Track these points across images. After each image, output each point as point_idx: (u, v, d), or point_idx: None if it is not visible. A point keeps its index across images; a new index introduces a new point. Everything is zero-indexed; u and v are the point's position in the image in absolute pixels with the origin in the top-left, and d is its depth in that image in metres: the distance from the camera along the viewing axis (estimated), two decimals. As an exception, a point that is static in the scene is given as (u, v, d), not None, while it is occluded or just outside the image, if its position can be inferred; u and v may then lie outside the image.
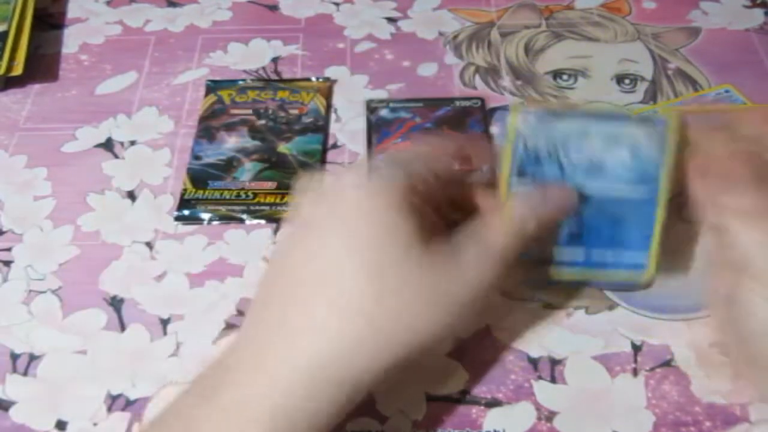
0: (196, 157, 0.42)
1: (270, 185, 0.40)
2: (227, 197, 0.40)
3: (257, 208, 0.39)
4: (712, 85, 0.46)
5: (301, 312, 0.27)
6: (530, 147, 0.30)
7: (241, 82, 0.46)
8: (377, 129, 0.44)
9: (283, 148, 0.42)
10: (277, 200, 0.39)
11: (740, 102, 0.44)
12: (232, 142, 0.42)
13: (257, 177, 0.41)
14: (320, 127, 0.43)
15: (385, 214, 0.27)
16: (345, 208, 0.27)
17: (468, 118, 0.44)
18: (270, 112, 0.44)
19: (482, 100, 0.45)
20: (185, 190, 0.40)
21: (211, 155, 0.42)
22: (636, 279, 0.31)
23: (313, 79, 0.46)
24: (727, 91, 0.44)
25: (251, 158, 0.42)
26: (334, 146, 0.43)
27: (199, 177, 0.41)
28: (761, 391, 0.30)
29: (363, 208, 0.27)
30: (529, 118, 0.30)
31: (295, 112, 0.44)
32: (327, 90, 0.46)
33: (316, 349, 0.26)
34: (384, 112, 0.44)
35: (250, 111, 0.44)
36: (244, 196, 0.40)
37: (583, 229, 0.31)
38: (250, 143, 0.42)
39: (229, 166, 0.41)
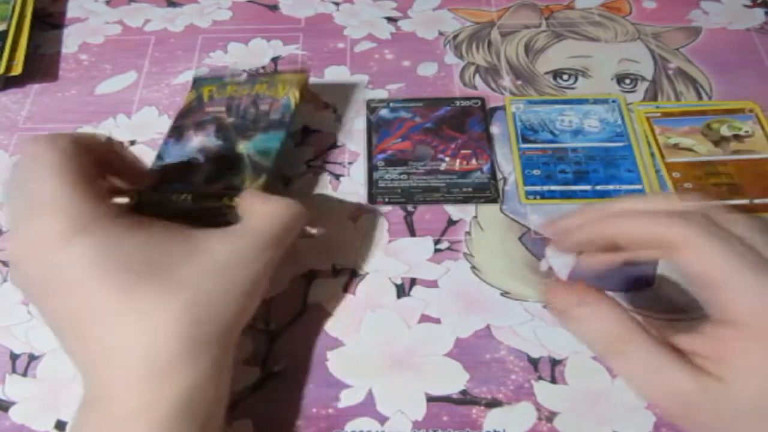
0: (159, 157, 0.38)
1: (218, 187, 0.36)
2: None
3: None
4: (713, 85, 0.46)
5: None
6: (525, 122, 0.43)
7: (227, 78, 0.43)
8: (377, 129, 0.44)
9: (242, 147, 0.38)
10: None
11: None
12: (197, 142, 0.39)
13: (209, 179, 0.37)
14: (284, 124, 0.39)
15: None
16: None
17: (468, 118, 0.44)
18: (240, 108, 0.40)
19: (482, 99, 0.45)
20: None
21: (174, 156, 0.38)
22: None
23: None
24: (751, 110, 0.44)
25: (210, 159, 0.38)
26: (334, 146, 0.43)
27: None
28: None
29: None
30: (519, 105, 0.44)
31: (265, 107, 0.40)
32: (303, 83, 0.42)
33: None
34: (384, 112, 0.44)
35: (224, 108, 0.41)
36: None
37: (584, 171, 0.41)
38: (213, 143, 0.39)
39: (187, 167, 0.38)
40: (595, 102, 0.44)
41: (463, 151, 0.42)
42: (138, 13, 0.53)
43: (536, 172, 0.41)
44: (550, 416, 0.32)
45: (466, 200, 0.40)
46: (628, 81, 0.46)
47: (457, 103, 0.45)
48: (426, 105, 0.45)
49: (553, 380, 0.33)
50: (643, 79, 0.46)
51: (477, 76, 0.47)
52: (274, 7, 0.53)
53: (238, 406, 0.33)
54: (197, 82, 0.43)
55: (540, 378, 0.33)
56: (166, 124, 0.45)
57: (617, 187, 0.40)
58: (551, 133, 0.43)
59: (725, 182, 0.40)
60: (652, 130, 0.43)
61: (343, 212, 0.40)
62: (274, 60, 0.48)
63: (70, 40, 0.51)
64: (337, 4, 0.53)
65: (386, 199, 0.40)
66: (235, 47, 0.50)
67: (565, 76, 0.47)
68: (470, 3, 0.52)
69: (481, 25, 0.51)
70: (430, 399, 0.33)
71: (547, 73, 0.47)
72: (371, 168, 0.42)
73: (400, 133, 0.43)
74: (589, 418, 0.32)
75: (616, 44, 0.49)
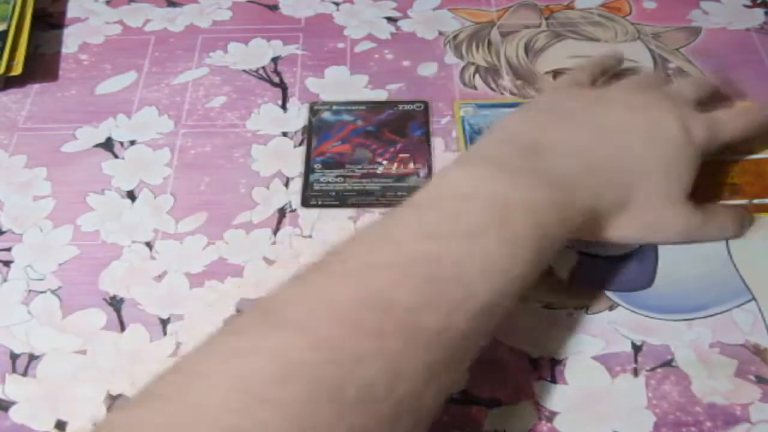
0: None
1: None
2: None
3: None
4: (713, 85, 0.46)
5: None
6: (474, 126, 0.43)
7: None
8: (318, 131, 0.44)
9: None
10: None
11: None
12: None
13: None
14: None
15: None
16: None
17: (409, 122, 0.44)
18: None
19: (426, 103, 0.45)
20: None
21: None
22: None
23: None
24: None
25: None
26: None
27: None
28: None
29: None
30: (468, 109, 0.44)
31: None
32: None
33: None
34: (326, 115, 0.44)
35: None
36: None
37: None
38: None
39: None
40: None
41: (401, 155, 0.42)
42: (138, 13, 0.53)
43: None
44: (550, 416, 0.32)
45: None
46: (628, 81, 0.46)
47: (400, 107, 0.45)
48: (368, 108, 0.45)
49: (553, 380, 0.33)
50: (643, 79, 0.46)
51: (477, 76, 0.47)
52: (274, 7, 0.53)
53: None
54: None
55: (540, 378, 0.33)
56: (166, 124, 0.45)
57: None
58: None
59: (725, 182, 0.40)
60: None
61: (343, 212, 0.40)
62: (274, 60, 0.49)
63: (70, 40, 0.51)
64: (337, 4, 0.53)
65: (320, 202, 0.40)
66: (235, 47, 0.50)
67: (565, 76, 0.47)
68: (470, 3, 0.52)
69: (481, 25, 0.51)
70: (430, 399, 0.33)
71: (547, 72, 0.47)
72: (307, 170, 0.42)
73: (340, 135, 0.43)
74: (589, 418, 0.32)
75: (616, 44, 0.49)
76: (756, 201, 0.39)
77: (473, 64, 0.48)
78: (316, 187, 0.41)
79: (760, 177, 0.40)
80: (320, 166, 0.42)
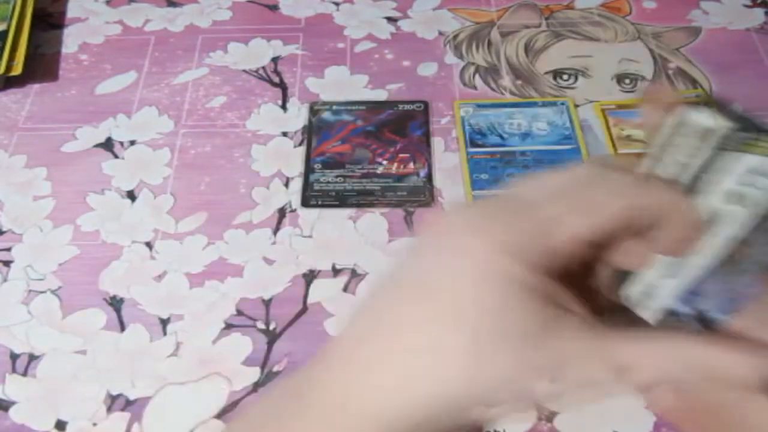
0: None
1: None
2: None
3: None
4: (713, 85, 0.46)
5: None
6: (474, 126, 0.43)
7: None
8: (318, 131, 0.44)
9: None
10: None
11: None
12: None
13: None
14: None
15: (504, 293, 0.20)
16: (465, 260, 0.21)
17: (409, 122, 0.44)
18: None
19: (425, 104, 0.45)
20: None
21: None
22: None
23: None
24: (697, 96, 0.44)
25: None
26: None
27: None
28: None
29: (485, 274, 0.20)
30: (468, 109, 0.44)
31: None
32: None
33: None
34: (326, 115, 0.44)
35: None
36: None
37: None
38: None
39: None
40: (544, 105, 0.44)
41: (401, 155, 0.42)
42: (138, 13, 0.52)
43: (484, 176, 0.41)
44: (550, 416, 0.32)
45: (399, 204, 0.40)
46: (628, 81, 0.46)
47: (400, 107, 0.45)
48: (368, 108, 0.45)
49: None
50: (643, 78, 0.46)
51: (477, 76, 0.47)
52: (274, 7, 0.53)
53: (237, 405, 0.33)
54: None
55: (540, 378, 0.33)
56: (166, 124, 0.45)
57: None
58: (500, 136, 0.43)
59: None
60: (607, 122, 0.43)
61: (343, 212, 0.40)
62: (274, 60, 0.48)
63: (70, 40, 0.51)
64: (337, 4, 0.53)
65: (320, 202, 0.40)
66: (235, 47, 0.50)
67: (565, 76, 0.47)
68: (470, 3, 0.52)
69: (481, 25, 0.51)
70: (430, 399, 0.33)
71: (547, 72, 0.47)
72: (307, 170, 0.42)
73: (340, 135, 0.43)
74: (589, 418, 0.32)
75: (616, 44, 0.49)
76: None
77: (473, 64, 0.48)
78: (316, 187, 0.41)
79: None
80: (320, 166, 0.42)
